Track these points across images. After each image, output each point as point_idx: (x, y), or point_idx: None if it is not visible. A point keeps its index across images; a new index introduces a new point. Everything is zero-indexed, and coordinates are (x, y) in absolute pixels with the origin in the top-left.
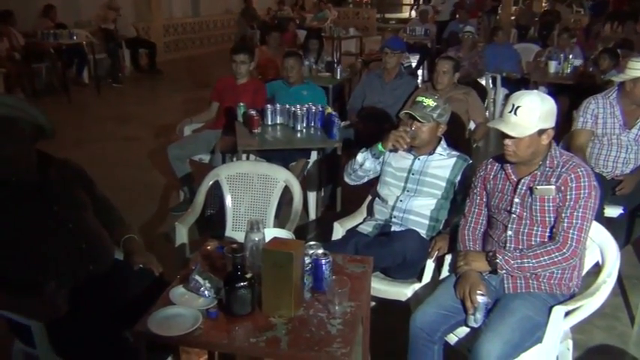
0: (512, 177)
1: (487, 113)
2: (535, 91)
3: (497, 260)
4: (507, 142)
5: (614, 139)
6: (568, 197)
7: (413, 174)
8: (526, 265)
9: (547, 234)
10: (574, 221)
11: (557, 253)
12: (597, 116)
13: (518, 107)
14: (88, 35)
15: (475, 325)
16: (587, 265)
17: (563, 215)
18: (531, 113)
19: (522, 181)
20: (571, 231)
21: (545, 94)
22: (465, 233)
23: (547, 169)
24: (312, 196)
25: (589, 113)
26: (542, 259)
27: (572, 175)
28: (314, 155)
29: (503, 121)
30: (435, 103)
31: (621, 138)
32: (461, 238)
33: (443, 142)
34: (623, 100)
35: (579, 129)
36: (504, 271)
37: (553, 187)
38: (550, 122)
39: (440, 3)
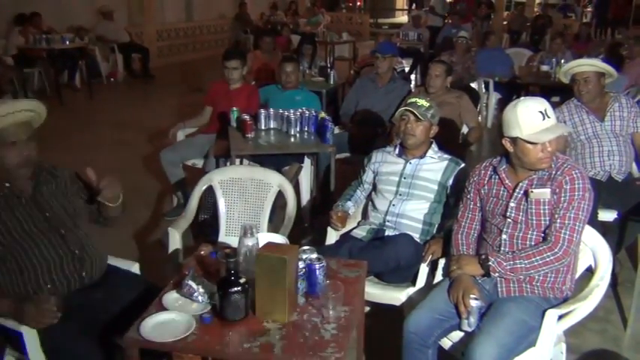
0: (507, 181)
1: (480, 117)
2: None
3: (490, 263)
4: (550, 149)
5: (592, 135)
6: (562, 198)
7: (405, 178)
8: (518, 265)
9: (542, 238)
10: (566, 221)
11: (548, 253)
12: (564, 121)
13: (546, 109)
14: (79, 40)
15: (469, 329)
16: (580, 268)
17: (556, 216)
18: (551, 109)
19: (520, 184)
20: (563, 231)
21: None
22: (458, 238)
23: (544, 172)
24: (306, 201)
25: None
26: (534, 259)
27: (567, 178)
28: (307, 160)
29: (550, 129)
30: (429, 104)
31: (598, 132)
32: (454, 242)
33: (434, 146)
34: (583, 101)
35: None
36: (497, 274)
37: (548, 189)
38: None
39: (440, 7)
